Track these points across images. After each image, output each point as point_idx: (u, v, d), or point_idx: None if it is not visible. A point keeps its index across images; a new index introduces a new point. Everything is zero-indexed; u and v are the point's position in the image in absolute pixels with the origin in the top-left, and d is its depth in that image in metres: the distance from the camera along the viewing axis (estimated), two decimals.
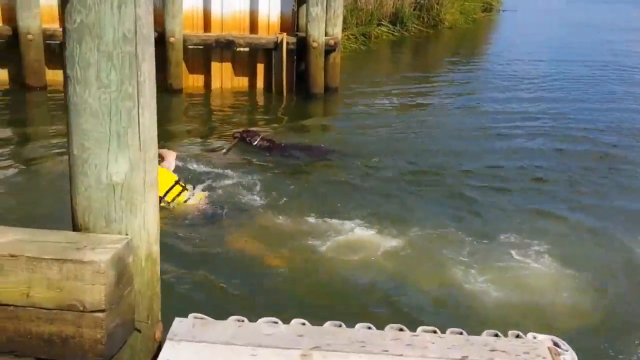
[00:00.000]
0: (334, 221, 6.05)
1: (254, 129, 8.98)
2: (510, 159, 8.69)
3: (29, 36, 10.59)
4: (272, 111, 11.33)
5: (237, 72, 11.95)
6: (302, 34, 11.58)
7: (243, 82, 12.02)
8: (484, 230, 6.18)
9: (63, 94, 2.66)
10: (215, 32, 11.52)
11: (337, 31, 11.71)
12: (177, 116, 10.68)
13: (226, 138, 9.28)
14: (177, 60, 11.11)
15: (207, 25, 11.61)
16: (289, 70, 11.70)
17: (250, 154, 8.08)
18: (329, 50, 11.55)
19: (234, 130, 8.69)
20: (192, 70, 11.86)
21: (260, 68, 11.94)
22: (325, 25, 11.42)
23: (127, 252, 2.62)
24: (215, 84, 11.79)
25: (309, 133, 9.89)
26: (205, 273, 5.03)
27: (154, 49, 2.73)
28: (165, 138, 9.11)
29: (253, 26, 11.76)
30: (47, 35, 10.80)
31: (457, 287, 4.91)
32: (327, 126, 10.61)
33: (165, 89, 11.19)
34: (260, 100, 11.76)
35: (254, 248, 5.56)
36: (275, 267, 5.18)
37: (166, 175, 6.26)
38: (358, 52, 16.92)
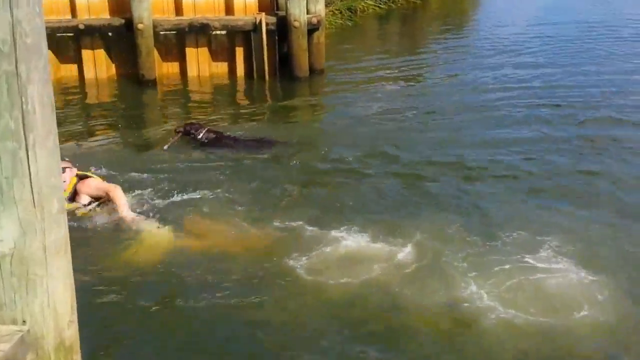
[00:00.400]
0: (310, 230, 5.11)
1: (196, 121, 8.11)
2: (508, 139, 7.87)
3: None
4: (253, 98, 10.54)
5: (214, 57, 11.10)
6: (282, 13, 10.74)
7: (222, 67, 11.19)
8: (489, 230, 5.41)
9: None
10: (188, 16, 10.66)
11: (319, 8, 10.87)
12: (150, 109, 9.93)
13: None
14: (148, 49, 10.26)
15: (178, 9, 10.73)
16: (270, 53, 10.87)
17: (195, 149, 7.31)
18: (312, 29, 10.73)
19: (176, 125, 7.92)
20: (165, 58, 11.02)
21: (240, 52, 11.09)
22: (307, 2, 10.60)
23: (22, 350, 1.90)
24: (191, 71, 10.95)
25: (292, 121, 9.17)
26: (146, 338, 3.91)
27: (46, 62, 1.99)
28: (136, 134, 8.39)
29: (229, 7, 10.90)
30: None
31: (469, 315, 4.11)
32: (311, 112, 9.86)
33: (137, 80, 10.41)
34: (241, 86, 10.95)
35: (207, 279, 4.45)
36: (243, 314, 4.12)
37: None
38: (344, 28, 16.05)
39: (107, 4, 10.54)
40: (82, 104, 9.82)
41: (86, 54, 10.67)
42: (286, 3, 10.49)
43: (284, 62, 11.08)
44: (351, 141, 7.66)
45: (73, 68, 10.89)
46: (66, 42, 10.73)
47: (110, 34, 10.59)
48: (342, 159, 7.07)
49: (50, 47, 10.48)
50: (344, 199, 6.02)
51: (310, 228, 5.17)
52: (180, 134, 7.51)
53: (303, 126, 8.77)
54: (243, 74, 11.11)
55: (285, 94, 10.50)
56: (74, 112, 9.37)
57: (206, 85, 10.83)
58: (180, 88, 10.66)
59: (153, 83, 10.44)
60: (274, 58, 11.09)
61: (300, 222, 5.26)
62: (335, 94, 10.48)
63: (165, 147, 7.36)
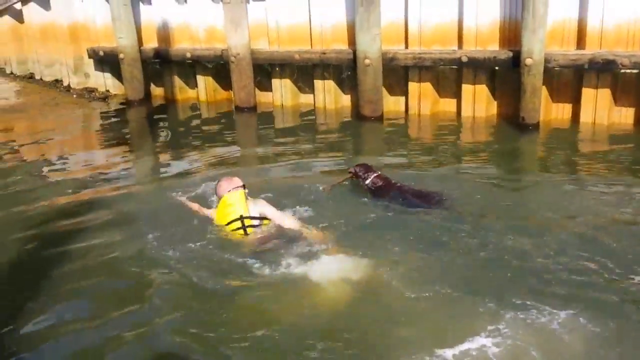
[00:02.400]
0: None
1: (371, 164, 6.89)
2: None
3: (367, 60, 9.51)
4: None
5: (617, 101, 8.90)
6: None
7: (626, 115, 8.88)
8: None
9: None
10: (590, 49, 8.73)
11: None
12: (525, 158, 8.25)
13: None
14: (534, 88, 8.66)
15: (580, 40, 8.88)
16: None
17: (357, 193, 6.47)
18: None
19: (351, 166, 6.92)
20: (555, 99, 9.27)
21: None
22: None
23: None
24: (585, 116, 8.93)
25: None
26: None
27: None
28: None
29: None
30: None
31: None
32: None
33: (517, 123, 8.93)
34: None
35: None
36: None
37: (235, 204, 5.60)
38: None
39: (497, 33, 9.30)
40: (450, 143, 8.76)
41: (466, 88, 9.64)
42: None
43: None
44: None
45: (452, 103, 9.99)
46: (448, 74, 9.89)
47: (496, 68, 9.35)
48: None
49: (431, 79, 9.84)
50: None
51: None
52: (351, 175, 6.71)
53: None
54: None
55: None
56: (441, 149, 8.40)
57: (601, 135, 8.67)
58: (567, 136, 8.77)
59: (535, 128, 8.81)
60: None
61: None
62: None
63: (321, 187, 6.59)
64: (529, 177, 7.30)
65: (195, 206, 6.14)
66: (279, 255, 5.14)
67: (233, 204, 5.58)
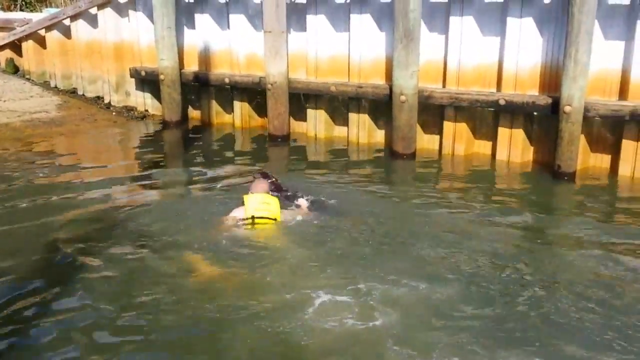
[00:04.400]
0: None
1: (270, 172, 7.89)
2: None
3: (402, 97, 9.44)
4: None
5: None
6: None
7: None
8: None
9: None
10: (633, 101, 8.52)
11: None
12: (564, 209, 7.98)
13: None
14: (572, 136, 8.46)
15: (623, 91, 8.68)
16: None
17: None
18: None
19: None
20: (594, 149, 9.06)
21: None
22: None
23: None
24: (624, 169, 8.70)
25: None
26: None
27: None
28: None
29: None
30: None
31: None
32: None
33: (552, 171, 8.71)
34: None
35: None
36: None
37: (273, 206, 6.53)
38: None
39: (538, 78, 9.16)
40: (481, 186, 8.56)
41: (503, 132, 9.48)
42: None
43: None
44: None
45: (487, 146, 9.84)
46: (485, 116, 9.76)
47: (534, 113, 9.18)
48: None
49: (467, 120, 9.68)
50: None
51: None
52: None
53: None
54: None
55: None
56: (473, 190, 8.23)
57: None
58: (604, 187, 8.51)
59: (570, 178, 8.57)
60: None
61: None
62: None
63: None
64: (557, 228, 7.08)
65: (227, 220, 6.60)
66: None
67: (270, 204, 6.51)
